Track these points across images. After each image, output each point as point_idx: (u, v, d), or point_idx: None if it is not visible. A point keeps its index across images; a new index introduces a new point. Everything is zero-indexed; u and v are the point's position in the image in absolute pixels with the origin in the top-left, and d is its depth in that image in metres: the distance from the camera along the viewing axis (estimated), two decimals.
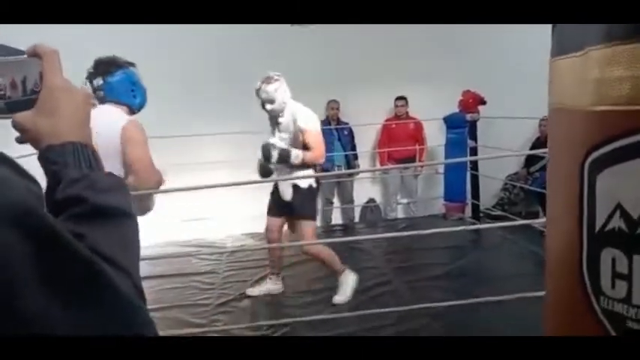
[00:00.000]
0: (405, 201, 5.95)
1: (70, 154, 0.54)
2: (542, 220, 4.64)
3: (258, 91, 3.16)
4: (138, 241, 0.56)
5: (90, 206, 0.51)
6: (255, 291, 3.62)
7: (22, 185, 0.39)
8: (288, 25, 5.58)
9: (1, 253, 0.35)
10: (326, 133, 5.57)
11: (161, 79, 4.52)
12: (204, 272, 4.27)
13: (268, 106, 3.18)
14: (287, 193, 3.24)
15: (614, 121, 0.50)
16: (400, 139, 5.62)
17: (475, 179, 5.48)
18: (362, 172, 5.86)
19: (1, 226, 0.35)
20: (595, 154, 0.53)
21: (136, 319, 0.45)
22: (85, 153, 0.55)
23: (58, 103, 0.55)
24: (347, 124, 5.65)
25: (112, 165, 1.96)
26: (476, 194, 5.50)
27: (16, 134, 0.57)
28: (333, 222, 5.87)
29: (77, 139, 0.55)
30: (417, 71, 5.51)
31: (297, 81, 5.56)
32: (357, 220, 5.93)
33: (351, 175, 5.64)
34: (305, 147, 3.17)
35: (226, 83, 5.20)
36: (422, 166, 5.70)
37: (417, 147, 5.66)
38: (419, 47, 5.55)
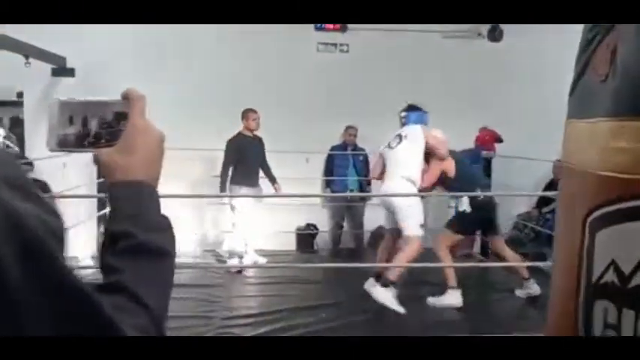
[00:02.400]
0: None
1: (133, 191, 0.59)
2: (550, 263, 4.63)
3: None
4: (172, 280, 0.60)
5: (136, 242, 0.56)
6: (434, 301, 3.93)
7: (37, 219, 0.40)
8: (313, 50, 5.74)
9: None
10: (341, 158, 5.68)
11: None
12: (214, 285, 4.31)
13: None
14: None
15: (614, 186, 0.56)
16: None
17: None
18: (372, 196, 5.89)
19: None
20: (596, 214, 0.59)
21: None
22: (146, 191, 0.60)
23: (135, 142, 0.61)
24: (363, 150, 5.73)
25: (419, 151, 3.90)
26: None
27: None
28: (342, 245, 5.91)
29: (145, 178, 0.60)
30: (435, 105, 5.60)
31: (316, 105, 5.70)
32: (366, 245, 5.96)
33: (363, 200, 5.69)
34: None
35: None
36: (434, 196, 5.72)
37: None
38: (439, 79, 5.65)
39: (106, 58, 4.98)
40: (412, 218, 3.74)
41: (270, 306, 3.81)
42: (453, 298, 3.91)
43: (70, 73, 4.94)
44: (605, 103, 0.63)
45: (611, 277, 0.55)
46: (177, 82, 5.33)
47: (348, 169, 5.58)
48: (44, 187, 4.58)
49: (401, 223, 3.80)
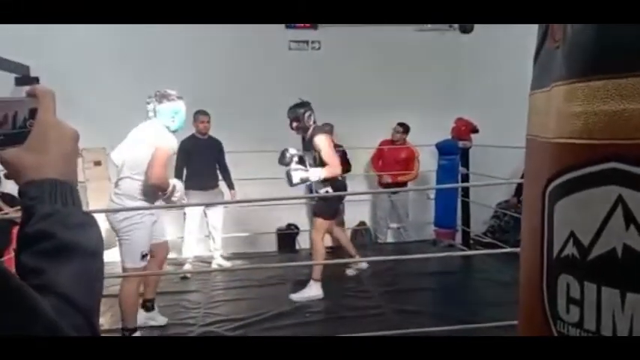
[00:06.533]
0: (395, 225, 5.96)
1: (47, 189, 0.55)
2: None
3: (288, 111, 3.97)
4: (101, 278, 0.58)
5: (57, 242, 0.53)
6: (296, 297, 3.91)
7: None
8: (287, 48, 5.69)
9: None
10: None
11: None
12: (191, 291, 4.25)
13: (294, 124, 3.96)
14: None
15: (569, 154, 0.53)
16: (391, 164, 5.66)
17: (466, 206, 5.51)
18: (350, 194, 5.85)
19: None
20: (554, 184, 0.56)
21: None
22: (62, 189, 0.56)
23: (46, 139, 0.57)
24: (341, 147, 5.68)
25: (143, 160, 2.91)
26: (466, 221, 5.53)
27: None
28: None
29: (59, 176, 0.57)
30: (410, 98, 5.60)
31: (291, 104, 5.64)
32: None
33: (341, 197, 5.64)
34: (323, 164, 3.79)
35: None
36: (410, 191, 5.72)
37: (404, 172, 5.61)
38: (414, 73, 5.65)
39: (71, 65, 4.87)
40: (132, 244, 2.94)
41: (254, 309, 3.74)
42: (314, 290, 3.92)
43: (35, 81, 4.80)
44: (559, 69, 0.59)
45: (571, 249, 0.52)
46: (144, 86, 5.22)
47: None
48: (12, 199, 4.45)
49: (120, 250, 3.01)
